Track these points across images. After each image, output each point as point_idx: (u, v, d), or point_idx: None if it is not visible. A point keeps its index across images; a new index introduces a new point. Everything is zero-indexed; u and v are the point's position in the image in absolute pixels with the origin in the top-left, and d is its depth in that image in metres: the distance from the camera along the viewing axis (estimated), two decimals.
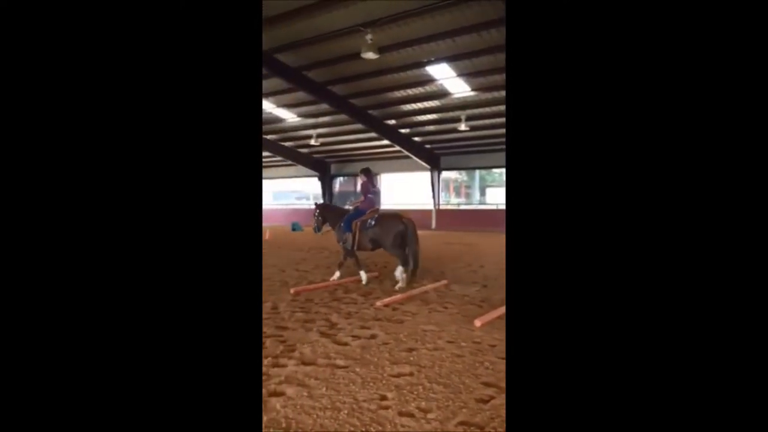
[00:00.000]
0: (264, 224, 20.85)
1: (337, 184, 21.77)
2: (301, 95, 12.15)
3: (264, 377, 2.38)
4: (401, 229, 4.98)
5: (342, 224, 5.32)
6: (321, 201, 5.68)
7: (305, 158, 19.96)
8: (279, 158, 19.82)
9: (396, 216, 5.17)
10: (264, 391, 2.20)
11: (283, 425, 1.86)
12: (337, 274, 5.45)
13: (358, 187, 5.58)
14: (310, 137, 16.50)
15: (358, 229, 5.16)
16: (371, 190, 5.38)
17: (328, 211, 5.79)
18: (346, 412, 1.99)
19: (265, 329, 3.32)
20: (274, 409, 2.00)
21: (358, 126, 14.33)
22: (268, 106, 13.57)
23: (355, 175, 20.97)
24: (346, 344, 2.98)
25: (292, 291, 4.71)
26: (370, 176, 5.47)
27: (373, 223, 5.10)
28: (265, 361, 2.61)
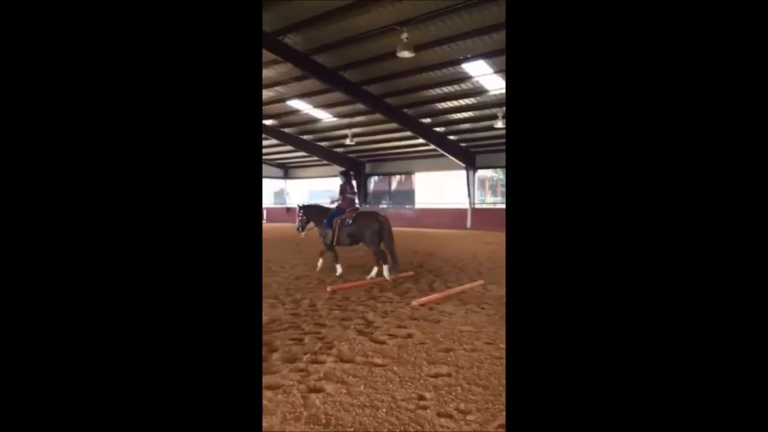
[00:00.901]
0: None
1: (372, 183, 21.89)
2: (337, 95, 12.29)
3: (303, 373, 2.42)
4: (377, 227, 5.35)
5: (325, 221, 5.80)
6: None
7: (340, 158, 20.17)
8: (315, 158, 20.14)
9: (373, 214, 5.61)
10: (304, 386, 2.25)
11: (323, 421, 1.89)
12: (321, 262, 6.01)
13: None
14: (345, 137, 16.65)
15: (338, 226, 5.61)
16: (349, 191, 5.87)
17: (311, 211, 6.20)
18: (384, 410, 2.00)
19: (303, 326, 3.39)
20: (314, 405, 2.04)
21: (393, 125, 14.34)
22: (304, 107, 13.81)
23: (389, 174, 21.02)
24: (383, 343, 2.99)
25: (328, 289, 4.77)
26: (348, 178, 5.96)
27: (350, 221, 5.53)
28: (304, 358, 2.66)
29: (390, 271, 5.30)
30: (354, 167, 20.91)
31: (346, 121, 15.11)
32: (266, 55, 9.61)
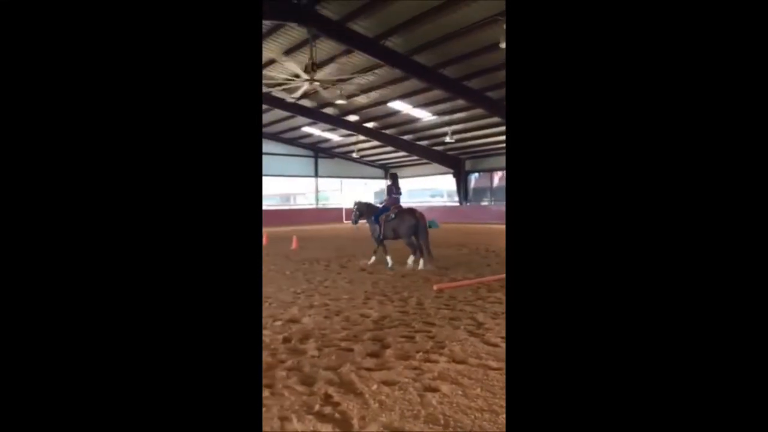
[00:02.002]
0: None
1: (473, 180, 21.39)
2: (436, 93, 12.25)
3: (417, 371, 2.44)
4: (413, 222, 6.19)
5: (373, 218, 6.70)
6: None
7: (439, 156, 20.05)
8: (414, 157, 20.31)
9: (411, 211, 6.42)
10: (419, 385, 2.26)
11: (441, 422, 1.88)
12: (373, 258, 6.78)
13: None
14: (444, 134, 16.52)
15: (383, 221, 6.50)
16: (395, 191, 6.77)
17: (364, 207, 7.07)
18: (504, 416, 1.92)
19: (413, 324, 3.42)
20: (430, 405, 2.04)
21: (495, 119, 13.88)
22: (404, 108, 14.01)
23: (491, 170, 20.38)
24: (496, 345, 2.89)
25: (435, 287, 4.76)
26: (394, 180, 6.89)
27: (393, 216, 6.40)
28: (417, 356, 2.68)
29: (425, 264, 6.15)
30: (454, 165, 20.66)
31: (445, 118, 14.98)
32: (369, 60, 9.93)
